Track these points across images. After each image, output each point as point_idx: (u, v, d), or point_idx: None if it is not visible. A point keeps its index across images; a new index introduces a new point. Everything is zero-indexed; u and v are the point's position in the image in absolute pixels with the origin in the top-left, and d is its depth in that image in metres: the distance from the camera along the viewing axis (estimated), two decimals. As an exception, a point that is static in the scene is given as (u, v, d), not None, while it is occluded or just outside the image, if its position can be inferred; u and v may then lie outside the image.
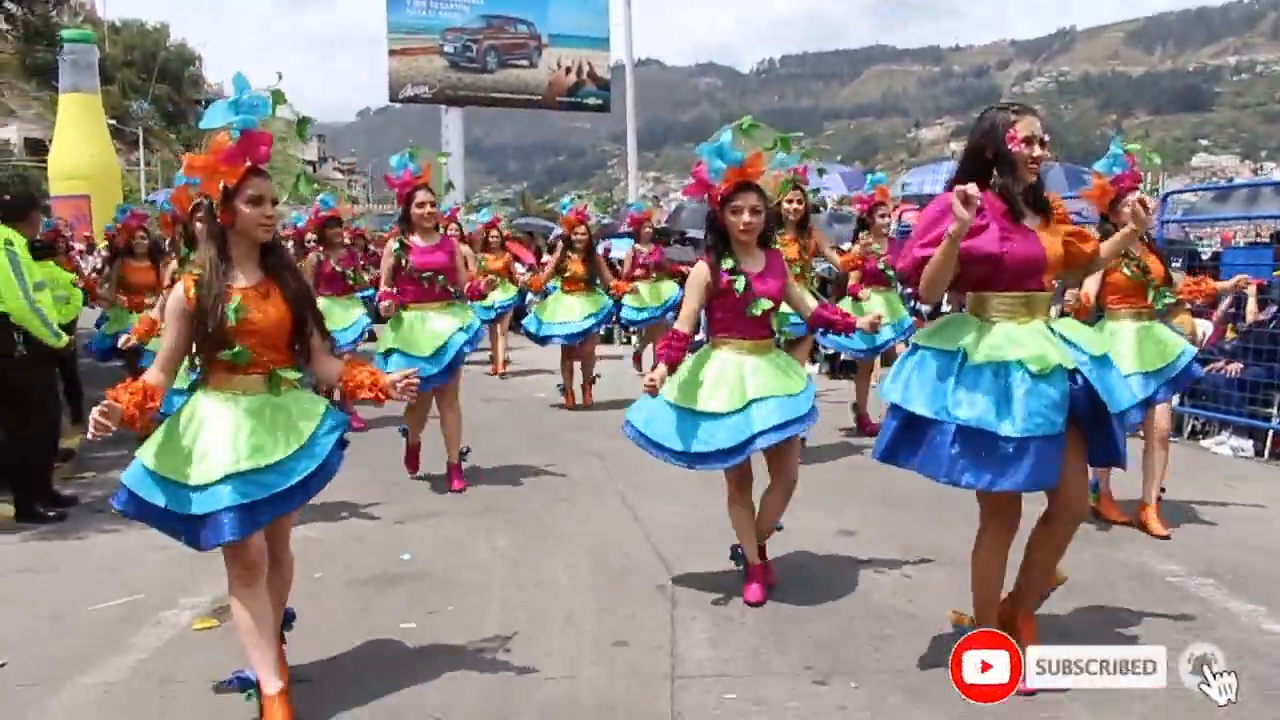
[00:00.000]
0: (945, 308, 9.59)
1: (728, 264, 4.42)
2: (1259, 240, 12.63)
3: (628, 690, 3.73)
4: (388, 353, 6.49)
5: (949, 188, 3.39)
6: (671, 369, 4.31)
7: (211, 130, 3.37)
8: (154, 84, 56.01)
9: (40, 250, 7.05)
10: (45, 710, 3.65)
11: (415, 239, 6.56)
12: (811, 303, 4.80)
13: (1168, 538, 5.46)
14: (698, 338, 4.86)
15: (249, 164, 3.36)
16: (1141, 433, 5.70)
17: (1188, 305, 6.36)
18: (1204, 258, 10.65)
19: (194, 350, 3.44)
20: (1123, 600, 4.51)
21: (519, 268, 13.28)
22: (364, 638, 4.23)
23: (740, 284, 4.38)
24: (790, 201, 7.16)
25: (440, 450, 6.90)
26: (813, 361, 11.66)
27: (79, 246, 19.29)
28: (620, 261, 11.57)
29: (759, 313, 4.43)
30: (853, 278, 8.14)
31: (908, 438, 3.54)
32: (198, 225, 5.52)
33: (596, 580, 4.96)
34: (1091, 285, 5.52)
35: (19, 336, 6.11)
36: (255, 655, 3.42)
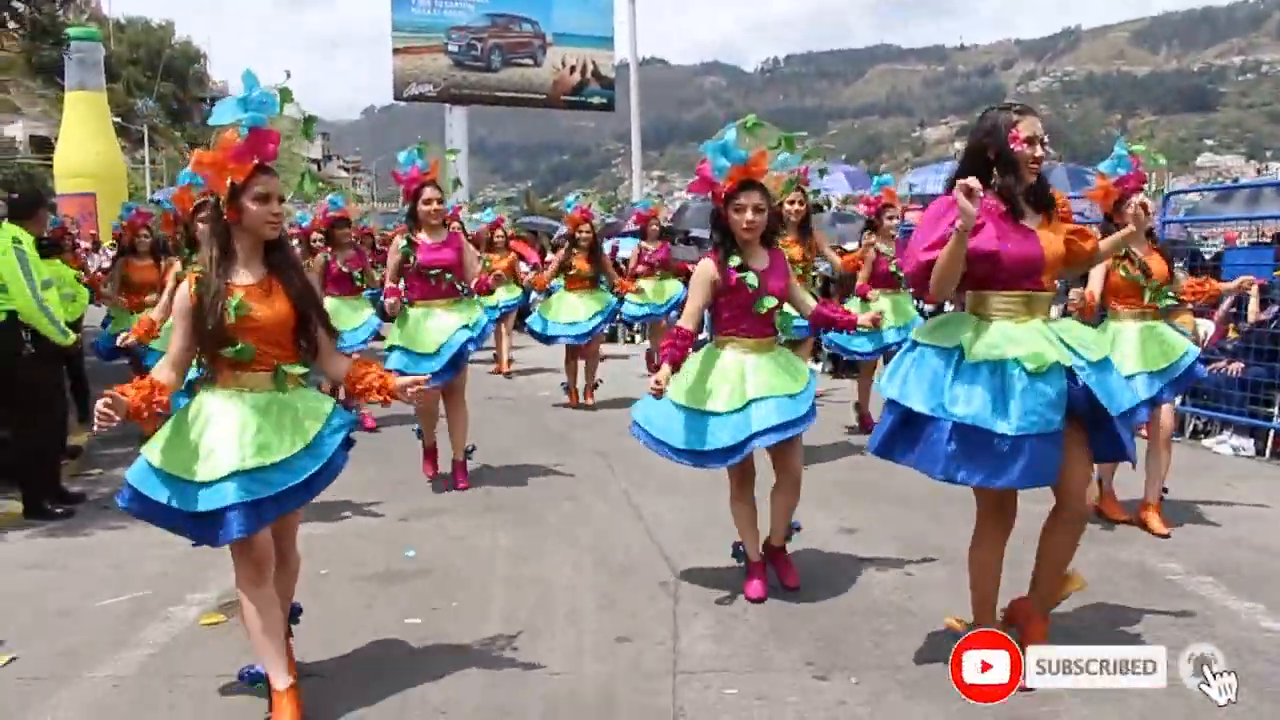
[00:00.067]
0: (948, 306, 9.59)
1: (735, 261, 4.45)
2: (1261, 241, 12.64)
3: (630, 685, 3.77)
4: (391, 348, 6.49)
5: (948, 188, 3.43)
6: (675, 367, 4.33)
7: (220, 127, 3.37)
8: (159, 81, 56.07)
9: (47, 248, 7.10)
10: (57, 704, 3.69)
11: (422, 236, 6.55)
12: (812, 303, 4.83)
13: (1168, 536, 5.49)
14: (700, 336, 4.89)
15: (257, 161, 3.36)
16: (1145, 432, 5.72)
17: (1189, 305, 6.39)
18: (1206, 258, 10.65)
19: (200, 348, 3.44)
20: (1123, 598, 4.54)
21: (523, 266, 13.28)
22: (369, 633, 4.27)
23: (752, 280, 4.41)
24: (792, 203, 7.18)
25: (445, 448, 6.94)
26: (815, 360, 11.67)
27: (85, 244, 19.33)
28: (626, 261, 11.59)
29: (764, 310, 4.47)
30: (860, 278, 8.13)
31: (904, 433, 3.58)
32: (199, 225, 5.56)
33: (599, 577, 5.00)
34: (1096, 285, 5.54)
35: (26, 335, 6.15)
36: (264, 651, 3.44)
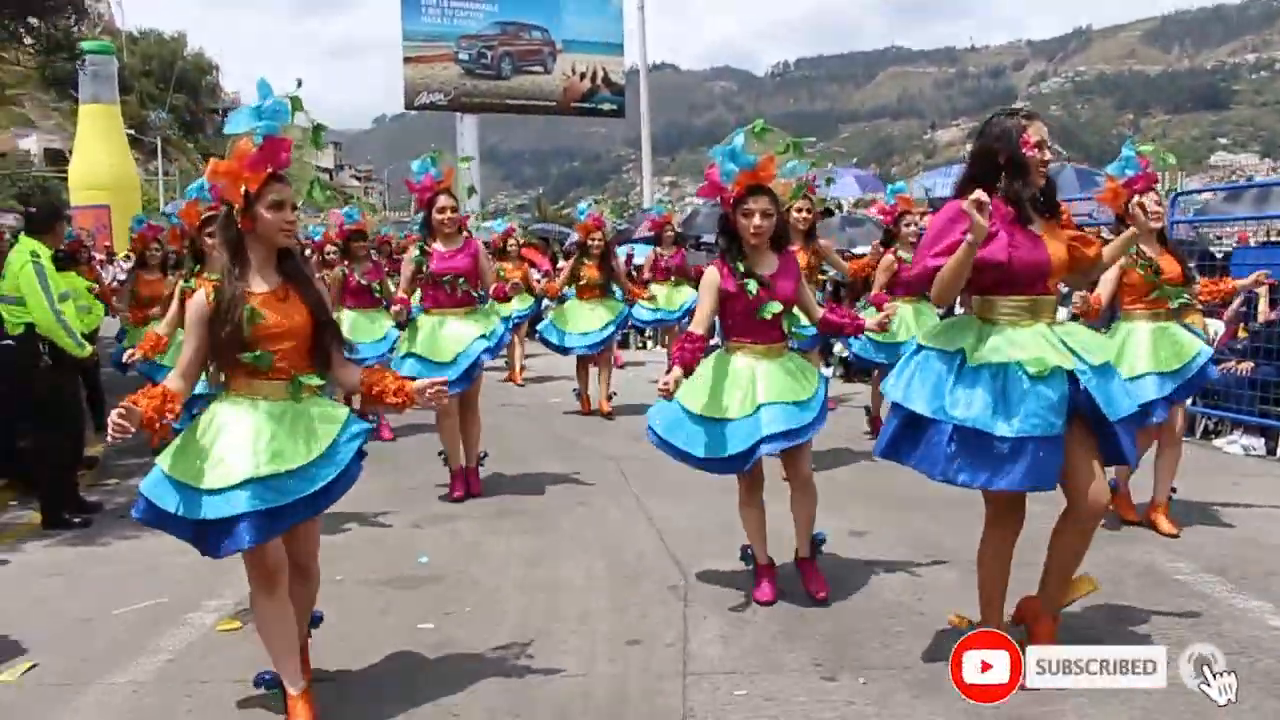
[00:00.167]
0: (959, 310, 9.57)
1: (740, 267, 4.49)
2: (1271, 240, 12.61)
3: (641, 687, 3.82)
4: (405, 356, 6.47)
5: (956, 192, 3.46)
6: (687, 372, 4.34)
7: (235, 135, 3.38)
8: (172, 93, 56.33)
9: (62, 260, 7.16)
10: (78, 709, 3.76)
11: (436, 244, 6.56)
12: (819, 309, 4.86)
13: (1177, 536, 5.50)
14: (712, 341, 4.92)
15: (271, 169, 3.38)
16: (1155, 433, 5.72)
17: (1198, 305, 6.40)
18: (1217, 257, 10.63)
19: (215, 356, 3.43)
20: (1129, 597, 4.57)
21: (534, 274, 13.30)
22: (384, 637, 4.32)
23: (751, 286, 4.45)
24: (798, 210, 7.17)
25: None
26: (826, 364, 11.67)
27: (99, 256, 19.46)
28: (640, 268, 11.58)
29: (769, 316, 4.49)
30: (875, 286, 8.03)
31: (909, 435, 3.62)
32: (207, 240, 5.60)
33: (611, 580, 5.05)
34: (1104, 288, 5.54)
35: (44, 347, 6.23)
36: (279, 658, 3.49)
